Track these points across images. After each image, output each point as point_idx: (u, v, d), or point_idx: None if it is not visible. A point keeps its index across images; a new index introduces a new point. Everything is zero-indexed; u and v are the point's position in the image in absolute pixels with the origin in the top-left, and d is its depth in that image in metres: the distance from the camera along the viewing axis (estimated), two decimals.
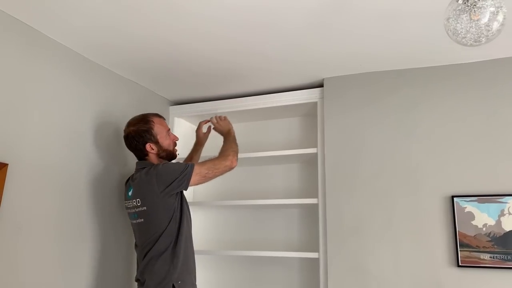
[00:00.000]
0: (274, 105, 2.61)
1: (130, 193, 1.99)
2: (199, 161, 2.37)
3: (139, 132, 2.00)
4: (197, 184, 1.99)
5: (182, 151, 2.25)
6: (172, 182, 1.87)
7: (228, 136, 2.22)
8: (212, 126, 2.34)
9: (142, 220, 1.93)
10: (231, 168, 2.04)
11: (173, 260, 1.86)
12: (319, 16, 1.77)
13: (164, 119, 2.14)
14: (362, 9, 1.71)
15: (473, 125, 2.14)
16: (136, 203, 1.94)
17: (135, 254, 2.03)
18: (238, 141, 2.19)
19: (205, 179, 1.99)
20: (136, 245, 2.02)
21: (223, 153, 2.08)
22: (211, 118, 2.35)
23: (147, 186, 1.90)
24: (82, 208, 2.08)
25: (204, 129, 2.50)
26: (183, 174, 1.89)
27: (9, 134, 1.73)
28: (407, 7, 1.70)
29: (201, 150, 2.51)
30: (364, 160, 2.29)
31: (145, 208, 1.90)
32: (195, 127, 3.03)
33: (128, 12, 1.75)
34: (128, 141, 2.04)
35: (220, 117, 2.32)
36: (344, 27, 1.87)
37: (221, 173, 2.03)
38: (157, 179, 1.88)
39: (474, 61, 2.19)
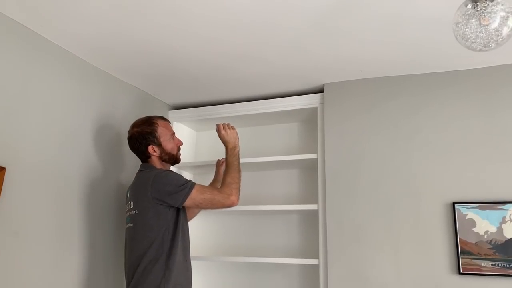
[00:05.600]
0: (274, 110, 2.60)
1: (128, 196, 1.97)
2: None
3: (143, 134, 1.98)
4: (188, 206, 1.88)
5: (182, 156, 2.22)
6: (165, 194, 1.81)
7: (232, 153, 2.06)
8: (216, 129, 2.15)
9: (132, 224, 1.88)
10: (230, 207, 1.91)
11: (165, 273, 1.76)
12: (320, 20, 1.77)
13: (169, 122, 2.11)
14: (363, 13, 1.71)
15: (474, 131, 2.14)
16: (130, 206, 1.91)
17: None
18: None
19: (196, 207, 1.86)
20: (125, 259, 1.91)
21: (225, 187, 1.91)
22: (218, 124, 2.14)
23: (142, 190, 1.86)
24: (79, 213, 2.04)
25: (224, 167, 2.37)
26: (179, 190, 1.81)
27: (7, 138, 1.71)
28: (409, 13, 1.70)
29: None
30: (365, 166, 2.28)
31: (136, 212, 1.86)
32: (195, 132, 3.03)
33: (128, 17, 1.74)
34: (131, 142, 2.01)
35: (228, 124, 2.14)
36: (345, 32, 1.87)
37: (215, 209, 1.90)
38: (152, 184, 1.83)
39: (474, 67, 2.19)
